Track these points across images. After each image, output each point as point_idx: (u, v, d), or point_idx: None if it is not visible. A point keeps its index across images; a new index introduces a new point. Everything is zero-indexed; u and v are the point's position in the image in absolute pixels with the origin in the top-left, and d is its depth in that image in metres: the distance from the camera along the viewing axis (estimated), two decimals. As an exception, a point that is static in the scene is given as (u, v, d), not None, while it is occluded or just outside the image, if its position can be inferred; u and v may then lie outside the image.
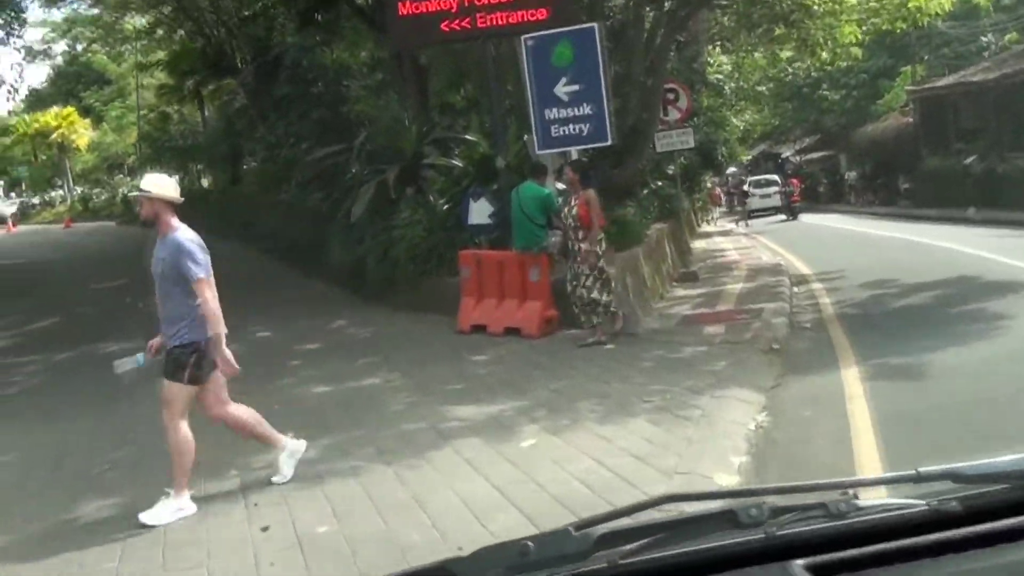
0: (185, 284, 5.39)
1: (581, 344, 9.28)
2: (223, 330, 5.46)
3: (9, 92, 26.55)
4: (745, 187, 39.22)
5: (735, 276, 14.87)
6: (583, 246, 9.24)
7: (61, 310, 16.47)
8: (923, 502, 1.36)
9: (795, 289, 13.62)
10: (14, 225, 42.64)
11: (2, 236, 40.63)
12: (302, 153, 18.42)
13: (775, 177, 38.83)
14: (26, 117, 55.41)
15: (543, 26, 10.91)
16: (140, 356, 5.67)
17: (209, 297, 5.41)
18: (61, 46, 59.85)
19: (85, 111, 57.10)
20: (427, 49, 18.30)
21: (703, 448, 5.66)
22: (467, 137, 13.13)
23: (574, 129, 10.65)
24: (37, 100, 61.28)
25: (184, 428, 5.37)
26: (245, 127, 24.47)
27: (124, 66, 48.52)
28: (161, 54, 35.51)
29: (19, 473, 6.78)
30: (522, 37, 10.89)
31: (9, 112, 55.94)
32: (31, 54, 63.36)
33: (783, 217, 33.30)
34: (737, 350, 8.86)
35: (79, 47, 57.87)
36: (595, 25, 10.75)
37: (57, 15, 54.02)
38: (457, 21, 11.16)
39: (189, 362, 5.37)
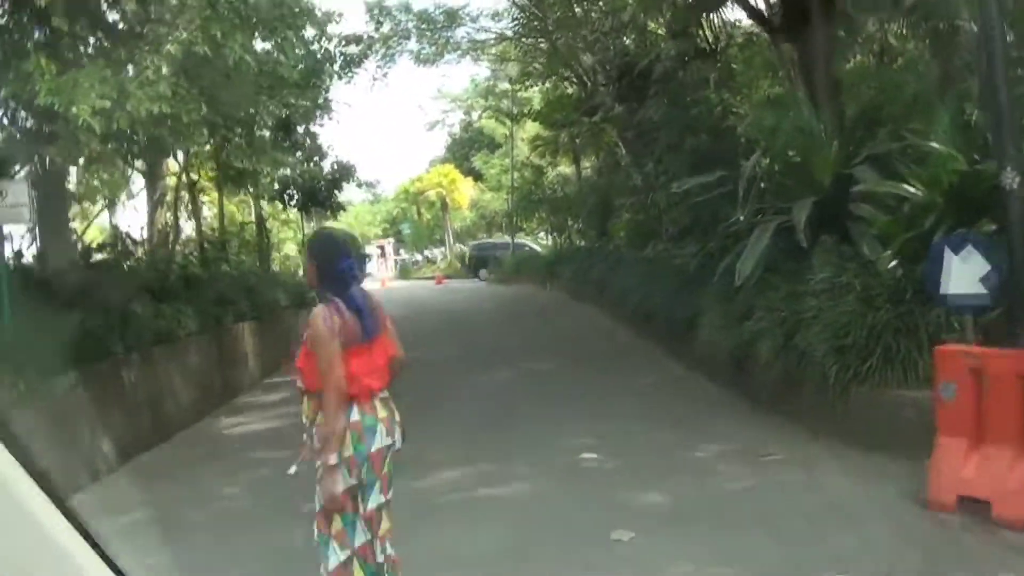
0: None
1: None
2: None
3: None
4: None
5: None
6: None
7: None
8: None
9: None
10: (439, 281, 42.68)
11: (379, 290, 40.79)
12: (671, 196, 14.14)
13: None
14: (410, 179, 57.88)
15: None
16: None
17: None
18: (458, 115, 62.98)
19: (474, 174, 58.10)
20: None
21: None
22: (932, 145, 7.87)
23: None
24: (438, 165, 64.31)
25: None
26: (610, 170, 20.84)
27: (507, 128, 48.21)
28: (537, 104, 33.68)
29: None
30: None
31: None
32: (431, 126, 67.43)
33: None
34: None
35: (474, 115, 60.11)
36: None
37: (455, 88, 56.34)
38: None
39: None
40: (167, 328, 12.11)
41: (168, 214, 19.05)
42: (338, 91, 64.33)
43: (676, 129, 13.48)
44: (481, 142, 59.88)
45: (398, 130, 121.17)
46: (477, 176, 57.39)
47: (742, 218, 10.37)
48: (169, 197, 20.88)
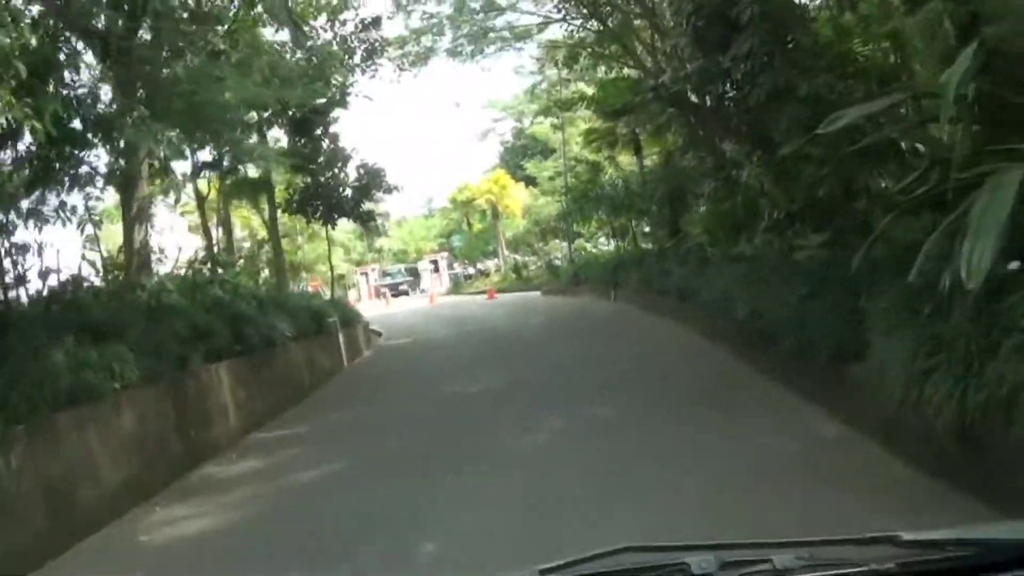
0: None
1: None
2: None
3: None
4: None
5: None
6: None
7: (375, 434, 10.05)
8: (865, 566, 1.46)
9: None
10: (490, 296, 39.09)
11: (427, 308, 37.25)
12: (780, 164, 10.30)
13: None
14: (457, 187, 54.66)
15: None
16: None
17: None
18: (509, 123, 60.01)
19: (528, 181, 54.79)
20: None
21: None
22: None
23: None
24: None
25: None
26: (683, 153, 17.02)
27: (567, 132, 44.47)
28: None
29: None
30: None
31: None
32: (482, 136, 64.52)
33: None
34: None
35: (526, 121, 57.10)
36: None
37: (504, 96, 53.38)
38: None
39: None
40: (91, 382, 8.71)
41: (145, 232, 15.68)
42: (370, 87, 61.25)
43: (783, 70, 9.55)
44: (534, 149, 56.70)
45: (449, 142, 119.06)
46: (530, 182, 54.02)
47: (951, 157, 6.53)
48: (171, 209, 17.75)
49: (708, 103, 12.86)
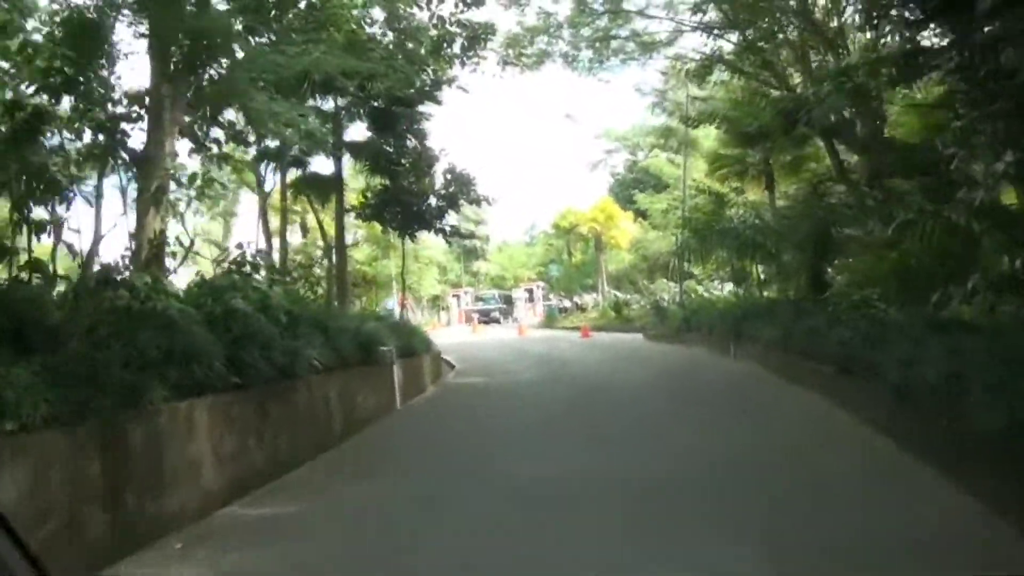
0: None
1: None
2: None
3: None
4: None
5: None
6: None
7: (397, 545, 6.54)
8: None
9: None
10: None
11: (514, 339, 33.79)
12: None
13: None
14: (559, 212, 51.28)
15: None
16: None
17: None
18: (623, 156, 56.84)
19: (637, 214, 51.17)
20: None
21: None
22: None
23: None
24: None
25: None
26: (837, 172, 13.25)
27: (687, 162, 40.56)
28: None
29: None
30: None
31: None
32: (593, 166, 61.69)
33: None
34: None
35: (640, 154, 53.92)
36: None
37: (620, 125, 50.39)
38: None
39: None
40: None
41: (162, 218, 12.56)
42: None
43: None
44: (647, 182, 53.18)
45: (557, 163, 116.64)
46: (640, 216, 50.36)
47: None
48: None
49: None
